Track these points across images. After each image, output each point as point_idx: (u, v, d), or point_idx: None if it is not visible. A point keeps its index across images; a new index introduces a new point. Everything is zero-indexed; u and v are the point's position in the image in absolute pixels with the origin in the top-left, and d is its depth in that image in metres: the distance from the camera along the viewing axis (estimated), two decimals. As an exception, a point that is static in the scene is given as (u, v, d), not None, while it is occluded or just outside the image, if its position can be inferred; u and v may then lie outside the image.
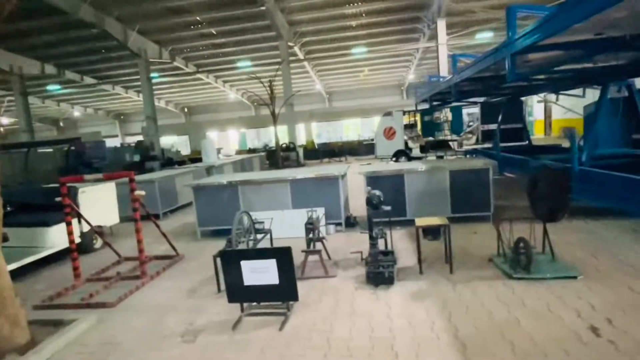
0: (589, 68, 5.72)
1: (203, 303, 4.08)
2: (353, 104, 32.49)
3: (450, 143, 14.47)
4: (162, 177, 9.04)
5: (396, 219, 4.68)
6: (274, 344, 3.17)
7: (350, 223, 6.50)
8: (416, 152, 13.84)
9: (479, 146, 11.59)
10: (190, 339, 3.39)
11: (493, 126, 12.33)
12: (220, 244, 6.05)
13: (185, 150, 27.90)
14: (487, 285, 3.87)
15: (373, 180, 6.13)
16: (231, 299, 3.67)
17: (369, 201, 4.58)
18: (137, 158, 18.41)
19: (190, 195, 6.77)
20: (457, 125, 17.21)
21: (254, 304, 3.81)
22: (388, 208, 4.62)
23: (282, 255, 3.47)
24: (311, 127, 28.96)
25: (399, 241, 5.47)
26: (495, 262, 4.34)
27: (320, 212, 5.43)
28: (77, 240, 5.50)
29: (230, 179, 6.77)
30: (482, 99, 10.97)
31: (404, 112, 14.94)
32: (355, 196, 7.86)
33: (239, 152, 26.37)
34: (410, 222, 6.00)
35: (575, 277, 3.81)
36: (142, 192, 4.79)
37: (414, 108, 15.18)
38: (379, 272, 4.02)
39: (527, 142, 9.34)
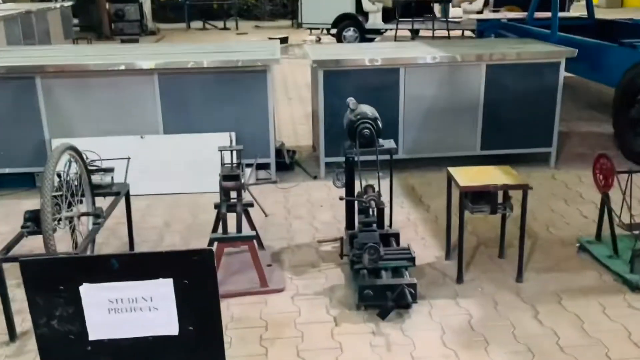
0: None
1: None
2: None
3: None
4: None
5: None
6: None
7: (286, 163, 5.77)
8: (376, 20, 13.10)
9: (498, 16, 11.21)
10: None
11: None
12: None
13: None
14: (598, 307, 3.45)
15: (334, 78, 5.39)
16: (53, 373, 2.66)
17: (356, 130, 3.79)
18: None
19: None
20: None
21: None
22: (391, 143, 4.04)
23: (191, 269, 2.53)
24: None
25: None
26: (594, 253, 3.97)
27: (232, 141, 4.54)
28: None
29: (15, 60, 5.40)
30: None
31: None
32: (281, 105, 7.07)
33: (13, -1, 22.72)
34: (403, 165, 5.53)
35: None
36: None
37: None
38: (389, 285, 3.38)
39: (587, 15, 9.10)
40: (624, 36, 7.56)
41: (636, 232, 3.74)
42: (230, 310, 3.46)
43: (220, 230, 3.81)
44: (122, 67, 5.18)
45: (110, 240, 4.28)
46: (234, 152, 3.91)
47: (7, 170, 5.21)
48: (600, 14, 9.86)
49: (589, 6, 9.20)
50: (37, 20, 12.55)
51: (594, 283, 3.71)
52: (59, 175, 3.51)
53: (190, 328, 2.58)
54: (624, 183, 3.90)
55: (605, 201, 3.95)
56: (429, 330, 3.27)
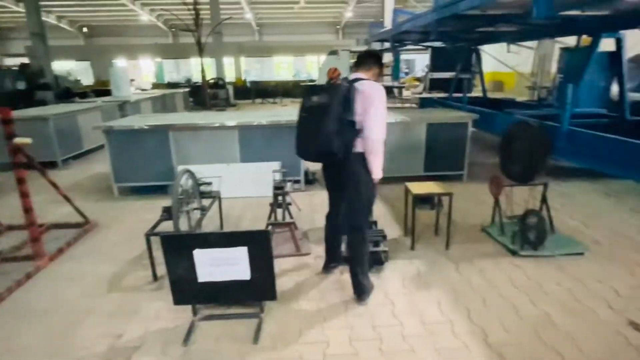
0: (581, 16, 5.19)
1: (133, 299, 2.95)
2: (285, 39, 30.04)
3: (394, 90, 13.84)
4: (59, 113, 6.99)
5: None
6: (252, 369, 2.26)
7: (309, 179, 5.59)
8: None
9: (431, 95, 11.12)
10: (120, 365, 2.31)
11: (443, 74, 11.93)
12: (146, 204, 4.86)
13: (87, 80, 23.69)
14: (493, 265, 3.33)
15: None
16: (178, 300, 2.62)
17: None
18: (22, 86, 14.85)
19: (99, 137, 5.17)
20: (396, 71, 16.64)
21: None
22: None
23: (257, 242, 2.48)
24: (240, 63, 26.25)
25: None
26: (491, 233, 3.84)
27: (277, 167, 4.45)
28: None
29: (157, 121, 5.28)
30: (436, 44, 10.27)
31: (351, 53, 13.75)
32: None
33: (155, 86, 23.08)
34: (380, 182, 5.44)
35: (582, 254, 3.44)
36: (27, 140, 3.24)
37: (359, 48, 14.02)
38: (371, 252, 3.23)
39: (482, 94, 9.01)
40: (505, 107, 7.50)
41: (514, 220, 3.66)
42: (279, 265, 3.25)
43: (272, 218, 3.72)
44: (217, 125, 5.10)
45: (209, 224, 4.13)
46: (281, 173, 3.86)
47: (152, 183, 5.15)
48: (489, 94, 9.72)
49: (484, 90, 9.11)
50: (169, 99, 12.75)
51: (491, 251, 3.58)
52: (181, 186, 3.47)
53: (256, 275, 2.52)
54: (507, 192, 3.83)
55: (497, 202, 3.86)
56: (397, 278, 3.15)
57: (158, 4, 24.51)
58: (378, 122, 2.53)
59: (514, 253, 3.47)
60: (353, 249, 2.82)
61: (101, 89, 17.64)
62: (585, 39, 5.84)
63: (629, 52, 5.66)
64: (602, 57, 5.24)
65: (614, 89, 5.50)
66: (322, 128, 2.43)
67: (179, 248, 2.50)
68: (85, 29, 30.43)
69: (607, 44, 5.24)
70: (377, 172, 2.65)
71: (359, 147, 2.61)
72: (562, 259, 3.37)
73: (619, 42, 5.16)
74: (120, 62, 25.48)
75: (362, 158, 2.61)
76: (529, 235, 3.44)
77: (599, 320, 2.61)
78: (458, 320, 2.62)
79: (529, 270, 3.23)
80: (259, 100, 19.20)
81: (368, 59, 2.70)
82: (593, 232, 3.91)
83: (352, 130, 2.54)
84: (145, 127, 5.02)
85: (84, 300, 2.95)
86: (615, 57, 5.25)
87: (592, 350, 2.33)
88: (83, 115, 7.58)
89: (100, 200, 5.17)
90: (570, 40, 6.79)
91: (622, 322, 2.58)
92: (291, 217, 3.75)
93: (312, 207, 4.71)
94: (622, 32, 5.12)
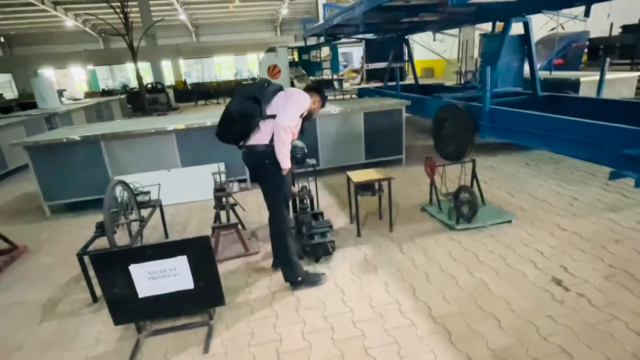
0: (492, 3, 5.46)
1: (71, 326, 2.67)
2: (224, 39, 29.04)
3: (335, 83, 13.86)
4: (-26, 132, 6.20)
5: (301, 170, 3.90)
6: (203, 381, 2.12)
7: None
8: (302, 91, 12.75)
9: (369, 85, 11.26)
10: (58, 400, 2.07)
11: (378, 65, 12.13)
12: (83, 221, 4.46)
13: (12, 93, 21.41)
14: (433, 241, 3.41)
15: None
16: (119, 320, 2.40)
17: (292, 155, 3.58)
18: None
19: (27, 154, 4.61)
20: (335, 65, 16.69)
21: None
22: (313, 161, 3.75)
23: (196, 249, 2.31)
24: (179, 65, 25.01)
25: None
26: (430, 211, 3.94)
27: (221, 168, 4.24)
28: None
29: (87, 132, 4.82)
30: (369, 37, 10.39)
31: (289, 49, 13.55)
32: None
33: (89, 95, 21.35)
34: (324, 173, 5.36)
35: (510, 222, 3.63)
36: None
37: (297, 44, 13.86)
38: (319, 243, 3.19)
39: (414, 81, 9.27)
40: (435, 92, 7.75)
41: (449, 197, 3.78)
42: (227, 267, 3.19)
43: (219, 221, 3.53)
44: (152, 130, 4.75)
45: (153, 234, 3.92)
46: (222, 174, 3.68)
47: (88, 198, 4.70)
48: (421, 81, 10.01)
49: (415, 77, 9.37)
50: (105, 107, 11.78)
51: (431, 228, 3.67)
52: (116, 199, 3.20)
53: (201, 283, 2.36)
54: (441, 171, 3.94)
55: (432, 182, 3.97)
56: (343, 265, 3.13)
57: (82, 8, 22.57)
58: (288, 111, 2.61)
59: (451, 228, 3.58)
60: (272, 240, 2.97)
61: (28, 102, 15.94)
62: (500, 25, 6.13)
63: (536, 35, 6.05)
64: (514, 40, 5.54)
65: (527, 68, 5.85)
66: (232, 105, 2.64)
67: (112, 265, 2.28)
68: (2, 39, 27.32)
69: (517, 28, 5.55)
70: (283, 162, 2.64)
71: (265, 139, 2.63)
72: (494, 229, 3.54)
73: (527, 26, 5.49)
74: (47, 72, 23.25)
75: (270, 152, 2.62)
76: (463, 209, 3.57)
77: (527, 281, 2.76)
78: (404, 299, 2.65)
79: (465, 242, 3.35)
80: (201, 102, 18.44)
81: (312, 89, 2.98)
82: (518, 200, 4.15)
83: (258, 108, 2.60)
84: (74, 139, 4.54)
85: (12, 335, 2.62)
86: (524, 39, 5.58)
87: (523, 309, 2.46)
88: (3, 132, 6.78)
89: (31, 222, 4.65)
90: (488, 27, 7.12)
91: (547, 280, 2.74)
92: (237, 218, 3.60)
93: (260, 205, 4.54)
94: (528, 16, 5.44)
